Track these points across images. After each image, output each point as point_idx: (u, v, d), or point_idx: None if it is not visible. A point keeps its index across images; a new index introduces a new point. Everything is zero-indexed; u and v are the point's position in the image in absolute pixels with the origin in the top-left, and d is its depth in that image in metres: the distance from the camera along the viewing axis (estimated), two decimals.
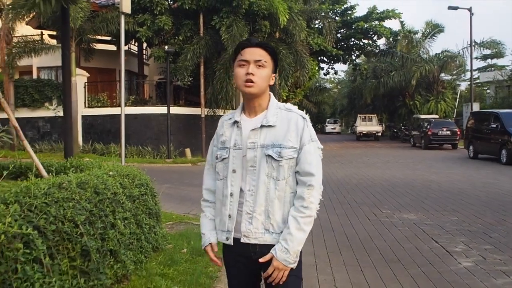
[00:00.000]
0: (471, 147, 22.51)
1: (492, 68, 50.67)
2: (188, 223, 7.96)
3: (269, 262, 2.49)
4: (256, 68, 2.54)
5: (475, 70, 55.98)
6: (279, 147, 2.50)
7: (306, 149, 2.53)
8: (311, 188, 2.48)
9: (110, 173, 5.08)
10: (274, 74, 2.66)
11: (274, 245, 2.49)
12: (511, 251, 6.53)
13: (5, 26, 21.11)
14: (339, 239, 7.38)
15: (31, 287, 3.03)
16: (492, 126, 20.40)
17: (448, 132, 29.29)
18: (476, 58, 53.35)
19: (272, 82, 2.64)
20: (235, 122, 2.63)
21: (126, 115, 22.33)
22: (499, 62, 50.64)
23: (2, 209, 3.06)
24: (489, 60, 55.85)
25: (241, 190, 2.56)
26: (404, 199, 10.86)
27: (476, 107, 32.29)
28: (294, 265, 2.47)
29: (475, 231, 7.74)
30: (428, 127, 29.98)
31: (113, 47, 28.06)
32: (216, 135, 2.74)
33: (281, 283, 2.48)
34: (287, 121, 2.56)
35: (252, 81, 2.52)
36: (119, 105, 23.93)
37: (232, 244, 2.58)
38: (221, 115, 14.17)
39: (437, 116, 34.88)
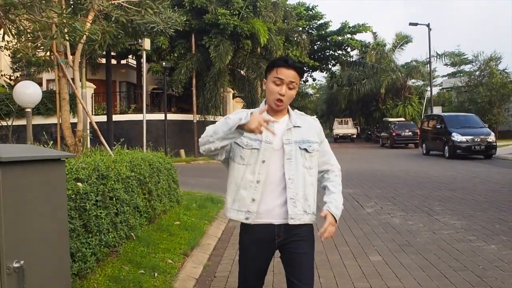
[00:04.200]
0: (424, 145, 26.48)
1: (461, 74, 54.65)
2: (191, 194, 11.50)
3: (287, 243, 3.00)
4: (288, 89, 2.96)
5: (445, 76, 59.99)
6: (308, 142, 3.03)
7: (325, 143, 3.19)
8: (338, 172, 3.24)
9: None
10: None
11: (301, 225, 2.98)
12: (402, 205, 10.24)
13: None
14: None
15: (132, 197, 6.65)
16: (438, 127, 24.32)
17: (410, 133, 33.35)
18: (446, 65, 57.36)
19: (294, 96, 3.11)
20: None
21: (129, 121, 26.03)
22: (468, 67, 54.59)
23: (114, 167, 6.61)
24: (457, 67, 59.90)
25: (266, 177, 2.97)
26: (351, 181, 14.55)
27: (437, 110, 36.07)
28: (337, 223, 3.04)
29: (388, 196, 11.46)
30: (393, 128, 33.96)
31: (113, 61, 31.52)
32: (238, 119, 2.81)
33: (331, 236, 3.00)
34: (307, 123, 3.12)
35: (282, 101, 2.96)
36: (121, 113, 27.58)
37: (251, 224, 2.97)
38: (211, 120, 19.28)
39: (403, 119, 38.88)
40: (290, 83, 2.96)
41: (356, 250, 6.76)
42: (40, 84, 29.32)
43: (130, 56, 31.70)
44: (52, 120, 27.03)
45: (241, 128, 2.73)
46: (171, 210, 8.64)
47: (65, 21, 6.40)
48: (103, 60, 29.40)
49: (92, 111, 27.49)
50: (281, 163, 2.97)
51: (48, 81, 29.40)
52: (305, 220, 2.99)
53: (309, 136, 3.06)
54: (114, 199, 5.84)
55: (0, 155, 2.69)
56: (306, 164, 3.01)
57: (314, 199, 3.07)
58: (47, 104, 26.82)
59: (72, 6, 9.22)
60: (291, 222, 2.93)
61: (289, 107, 3.11)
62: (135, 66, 33.20)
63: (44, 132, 11.24)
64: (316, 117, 3.29)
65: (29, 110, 8.26)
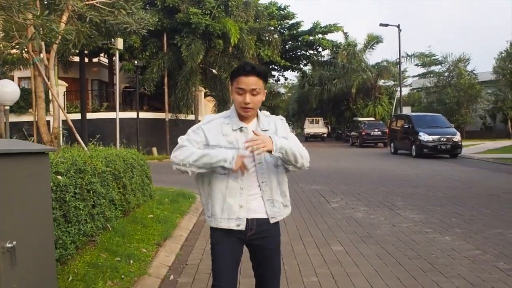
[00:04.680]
0: (392, 144, 27.17)
1: (431, 75, 55.78)
2: (164, 190, 11.81)
3: (255, 239, 3.11)
4: (251, 96, 2.96)
5: (415, 76, 61.04)
6: None
7: (291, 137, 3.14)
8: (305, 155, 3.10)
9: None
10: (265, 90, 3.09)
11: (271, 224, 3.11)
12: (366, 200, 10.72)
13: None
14: None
15: (108, 191, 6.97)
16: (406, 126, 25.04)
17: (379, 133, 34.10)
18: (417, 65, 58.49)
19: (263, 98, 3.09)
20: (241, 127, 3.05)
21: (101, 119, 26.10)
22: (437, 68, 55.81)
23: (90, 162, 6.93)
24: (427, 67, 61.05)
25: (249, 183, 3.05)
26: (318, 178, 15.04)
27: (407, 110, 36.93)
28: (273, 149, 2.88)
29: (353, 193, 11.94)
30: (363, 128, 34.70)
31: (85, 59, 31.52)
32: (204, 132, 3.08)
33: (255, 152, 2.91)
34: (273, 124, 3.15)
35: (249, 108, 2.99)
36: (93, 111, 27.64)
37: (243, 229, 3.04)
38: (183, 119, 19.53)
39: (373, 119, 39.67)
40: (252, 91, 2.97)
41: (319, 241, 7.18)
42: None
43: (102, 55, 31.72)
44: (24, 118, 26.91)
45: (224, 167, 2.93)
46: (144, 204, 8.97)
47: (41, 22, 6.68)
48: (75, 58, 29.41)
49: (64, 109, 27.46)
50: (254, 168, 3.05)
51: (20, 78, 29.20)
52: (286, 213, 3.20)
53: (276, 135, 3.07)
54: (91, 192, 6.18)
55: None
56: (278, 162, 3.08)
57: (288, 188, 3.22)
58: (20, 102, 26.49)
59: (47, 7, 9.47)
60: (272, 221, 3.10)
61: (258, 110, 3.14)
62: (107, 64, 33.26)
63: (23, 129, 11.43)
64: (282, 117, 3.31)
65: (7, 107, 8.48)
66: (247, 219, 3.04)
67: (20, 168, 3.42)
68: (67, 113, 27.42)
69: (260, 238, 3.12)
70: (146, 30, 10.27)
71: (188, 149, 3.01)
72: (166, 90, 27.43)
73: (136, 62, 25.49)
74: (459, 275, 5.44)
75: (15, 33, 8.42)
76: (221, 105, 29.02)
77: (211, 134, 3.05)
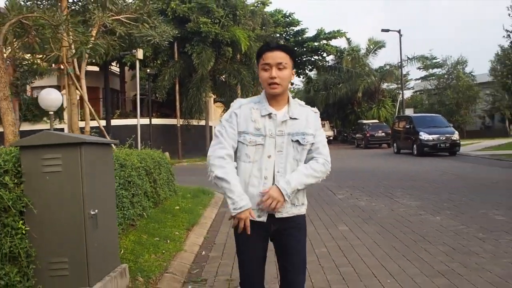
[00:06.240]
0: (395, 144, 28.19)
1: (432, 77, 56.80)
2: (184, 188, 12.87)
3: (280, 231, 3.01)
4: (278, 70, 2.88)
5: (418, 79, 62.05)
6: (302, 135, 2.97)
7: (320, 133, 3.05)
8: (323, 161, 3.04)
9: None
10: (294, 70, 3.04)
11: (295, 215, 3.02)
12: (368, 192, 11.77)
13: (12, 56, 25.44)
14: None
15: (143, 183, 8.05)
16: (407, 127, 26.04)
17: (383, 134, 35.10)
18: (419, 68, 59.39)
19: (293, 78, 3.05)
20: (270, 114, 2.94)
21: (115, 126, 27.15)
22: (438, 71, 56.99)
23: (128, 158, 7.99)
24: (429, 70, 62.04)
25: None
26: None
27: (409, 112, 37.99)
28: (288, 199, 2.89)
29: (357, 186, 12.98)
30: (367, 130, 35.75)
31: (96, 68, 32.62)
32: (237, 117, 2.97)
33: (271, 209, 2.89)
34: (305, 115, 3.02)
35: (276, 83, 2.88)
36: (104, 118, 28.72)
37: (265, 221, 2.95)
38: (195, 124, 20.85)
39: (377, 121, 40.66)
40: (278, 65, 2.89)
41: (327, 223, 8.25)
42: (25, 91, 30.06)
43: (113, 64, 32.82)
44: (39, 126, 27.76)
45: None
46: (170, 198, 10.07)
47: (86, 38, 7.79)
48: (88, 68, 30.52)
49: (79, 116, 28.48)
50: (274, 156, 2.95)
51: (33, 88, 30.18)
52: (293, 212, 3.01)
53: (306, 128, 2.99)
54: (131, 183, 7.25)
55: (85, 138, 4.13)
56: (297, 156, 2.98)
57: (303, 191, 3.06)
58: (34, 111, 27.49)
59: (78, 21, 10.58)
60: (277, 215, 2.95)
61: (290, 96, 3.04)
62: (118, 73, 34.37)
63: None
64: (317, 110, 3.19)
65: (51, 113, 9.55)
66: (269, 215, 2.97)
67: (99, 154, 4.53)
68: (80, 120, 28.52)
69: (283, 229, 3.04)
70: (167, 41, 11.37)
71: (223, 161, 2.94)
72: (177, 97, 28.56)
73: (148, 70, 26.60)
74: (444, 243, 6.52)
75: (52, 46, 9.53)
76: None
77: (241, 120, 2.97)
